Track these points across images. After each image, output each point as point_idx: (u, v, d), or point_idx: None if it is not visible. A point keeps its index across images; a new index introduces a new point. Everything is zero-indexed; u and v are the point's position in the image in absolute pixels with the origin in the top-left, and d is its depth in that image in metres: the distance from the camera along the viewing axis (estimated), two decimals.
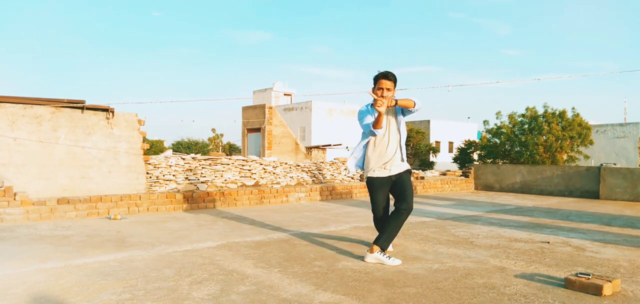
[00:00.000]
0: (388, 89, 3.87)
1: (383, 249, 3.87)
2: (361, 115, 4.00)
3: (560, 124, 14.54)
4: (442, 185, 11.92)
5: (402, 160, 4.03)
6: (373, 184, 4.08)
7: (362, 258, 3.96)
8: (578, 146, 14.62)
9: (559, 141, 14.19)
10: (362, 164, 4.16)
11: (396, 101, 3.78)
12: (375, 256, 3.84)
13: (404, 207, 3.89)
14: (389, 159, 4.00)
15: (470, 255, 4.20)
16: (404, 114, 4.05)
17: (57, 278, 3.29)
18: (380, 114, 3.76)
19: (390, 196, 4.16)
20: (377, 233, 4.26)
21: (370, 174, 4.06)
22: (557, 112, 14.85)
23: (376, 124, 3.84)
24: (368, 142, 4.07)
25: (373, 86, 3.97)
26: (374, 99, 3.80)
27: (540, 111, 15.13)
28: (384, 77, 3.89)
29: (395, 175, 4.02)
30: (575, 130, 14.37)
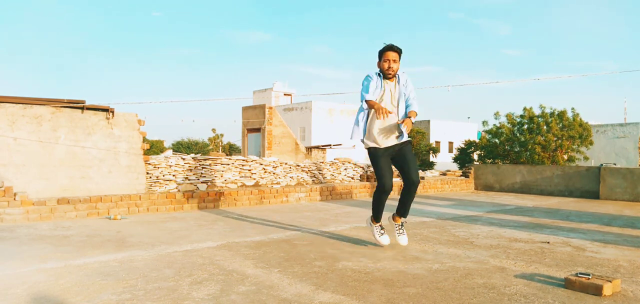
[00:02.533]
0: (394, 61, 3.98)
1: (405, 218, 4.28)
2: (366, 83, 4.05)
3: (559, 124, 14.54)
4: (442, 185, 11.92)
5: (401, 133, 4.07)
6: (373, 153, 4.15)
7: (361, 259, 3.96)
8: (578, 146, 14.62)
9: (558, 140, 14.19)
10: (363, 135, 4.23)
11: (412, 122, 4.01)
12: (400, 226, 4.31)
13: (410, 182, 4.09)
14: (387, 131, 4.06)
15: (470, 255, 4.20)
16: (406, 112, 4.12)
17: (57, 278, 3.29)
18: (375, 107, 3.87)
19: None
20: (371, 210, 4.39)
21: (370, 144, 4.13)
22: (557, 112, 14.85)
23: (372, 107, 3.95)
24: (367, 115, 4.14)
25: (378, 60, 4.07)
26: (386, 76, 4.03)
27: (538, 112, 15.15)
28: (390, 49, 3.99)
29: (392, 146, 4.08)
30: (575, 130, 14.36)
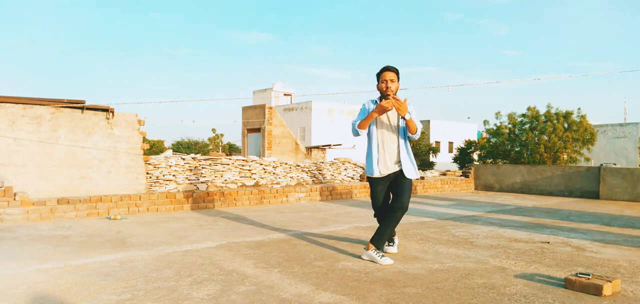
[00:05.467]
0: (392, 80, 4.01)
1: (377, 247, 3.94)
2: (360, 113, 4.17)
3: (565, 124, 14.47)
4: (442, 185, 11.92)
5: (400, 159, 4.03)
6: (371, 181, 4.19)
7: (361, 259, 3.97)
8: (581, 147, 14.57)
9: (562, 141, 14.13)
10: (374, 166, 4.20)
11: (409, 113, 3.91)
12: (369, 254, 3.91)
13: (398, 206, 3.95)
14: (390, 158, 4.05)
15: (470, 255, 4.20)
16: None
17: (57, 278, 3.29)
18: (372, 114, 3.93)
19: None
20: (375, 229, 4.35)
21: (370, 174, 4.12)
22: (564, 112, 14.72)
23: (363, 123, 3.99)
24: (372, 144, 4.13)
25: (377, 82, 4.12)
26: (385, 97, 3.97)
27: (543, 111, 15.03)
28: (387, 69, 4.05)
29: (393, 173, 4.06)
30: (580, 132, 14.27)
